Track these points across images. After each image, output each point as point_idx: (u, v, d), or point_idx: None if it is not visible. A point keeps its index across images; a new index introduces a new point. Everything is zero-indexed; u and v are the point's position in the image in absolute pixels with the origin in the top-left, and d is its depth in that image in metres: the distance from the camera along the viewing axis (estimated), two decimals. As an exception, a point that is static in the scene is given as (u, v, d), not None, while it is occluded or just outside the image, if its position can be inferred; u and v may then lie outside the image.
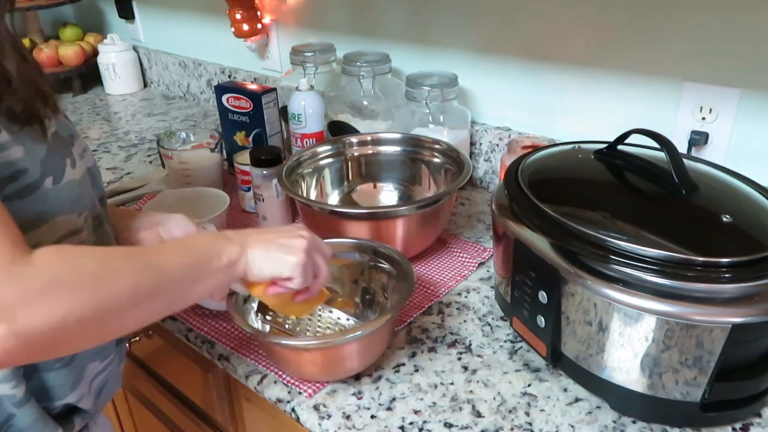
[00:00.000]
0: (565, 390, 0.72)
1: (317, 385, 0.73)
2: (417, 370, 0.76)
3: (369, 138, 1.08)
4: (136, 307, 0.53)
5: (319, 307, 0.79)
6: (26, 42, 1.89)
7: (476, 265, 0.95)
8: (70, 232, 0.60)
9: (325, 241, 0.84)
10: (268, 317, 0.75)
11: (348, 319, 0.79)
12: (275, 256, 0.65)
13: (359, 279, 0.84)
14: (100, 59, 1.84)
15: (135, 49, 1.88)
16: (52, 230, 0.58)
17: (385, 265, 0.81)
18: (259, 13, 1.46)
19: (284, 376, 0.75)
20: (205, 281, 0.60)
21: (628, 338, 0.63)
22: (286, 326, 0.79)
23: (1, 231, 0.47)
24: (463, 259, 0.96)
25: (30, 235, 0.56)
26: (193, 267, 0.60)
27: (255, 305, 0.76)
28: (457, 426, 0.68)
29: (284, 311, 0.73)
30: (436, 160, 1.04)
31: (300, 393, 0.73)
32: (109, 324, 0.52)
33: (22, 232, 0.54)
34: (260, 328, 0.77)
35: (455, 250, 0.99)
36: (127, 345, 0.90)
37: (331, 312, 0.79)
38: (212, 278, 0.61)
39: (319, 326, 0.78)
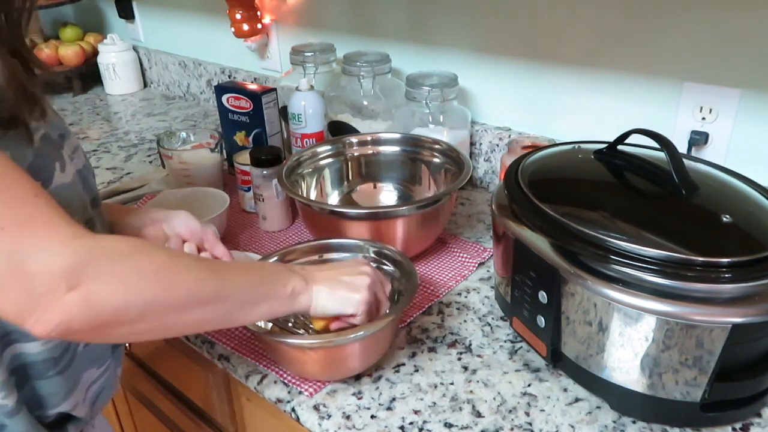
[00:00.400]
0: (565, 390, 0.72)
1: (318, 384, 0.73)
2: (417, 370, 0.76)
3: (369, 138, 1.08)
4: (195, 308, 0.54)
5: None
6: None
7: (476, 265, 0.95)
8: None
9: (330, 241, 0.84)
10: (275, 316, 0.75)
11: None
12: (340, 294, 0.66)
13: None
14: (100, 59, 1.84)
15: (135, 49, 1.88)
16: None
17: (389, 267, 0.81)
18: (259, 13, 1.46)
19: (285, 375, 0.75)
20: (265, 304, 0.61)
21: (628, 338, 0.63)
22: (289, 325, 0.79)
23: (55, 212, 0.49)
24: (463, 259, 0.96)
25: None
26: (257, 286, 0.61)
27: None
28: (457, 426, 0.68)
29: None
30: (436, 160, 1.04)
31: (300, 393, 0.73)
32: (165, 318, 0.53)
33: None
34: (262, 326, 0.77)
35: (455, 250, 0.99)
36: (127, 346, 0.90)
37: None
38: (273, 303, 0.62)
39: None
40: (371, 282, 0.68)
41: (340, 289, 0.66)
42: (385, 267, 0.81)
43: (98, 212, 0.67)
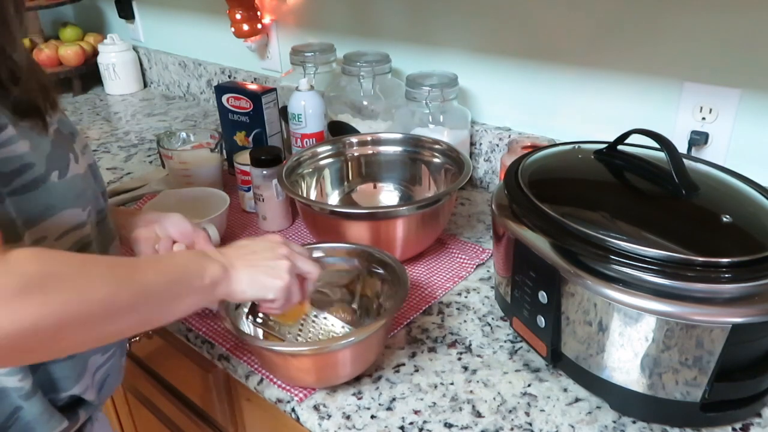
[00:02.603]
0: (565, 390, 0.72)
1: (308, 389, 0.73)
2: (417, 370, 0.76)
3: (369, 138, 1.08)
4: (111, 319, 0.52)
5: (314, 313, 0.78)
6: (26, 42, 1.89)
7: (475, 266, 0.95)
8: (74, 226, 0.60)
9: (321, 245, 0.84)
10: (259, 320, 0.75)
11: (343, 326, 0.78)
12: (260, 279, 0.64)
13: (354, 284, 0.84)
14: (100, 59, 1.84)
15: (135, 49, 1.88)
16: (58, 223, 0.58)
17: (380, 270, 0.81)
18: (259, 13, 1.46)
19: (275, 380, 0.75)
20: (184, 300, 0.59)
21: (628, 338, 0.63)
22: (278, 329, 0.78)
23: None
24: (462, 260, 0.96)
25: (37, 228, 0.56)
26: (173, 284, 0.58)
27: (246, 308, 0.75)
28: (457, 426, 0.68)
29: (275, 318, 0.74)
30: (436, 160, 1.04)
31: (292, 398, 0.72)
32: (83, 333, 0.50)
33: (30, 225, 0.55)
34: (252, 331, 0.76)
35: (454, 250, 0.99)
36: (128, 345, 0.90)
37: (325, 318, 0.78)
38: (192, 297, 0.60)
39: (312, 332, 0.78)
40: (290, 265, 0.66)
41: (259, 275, 0.64)
42: (375, 270, 0.81)
43: (107, 205, 0.69)
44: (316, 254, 0.83)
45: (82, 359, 0.64)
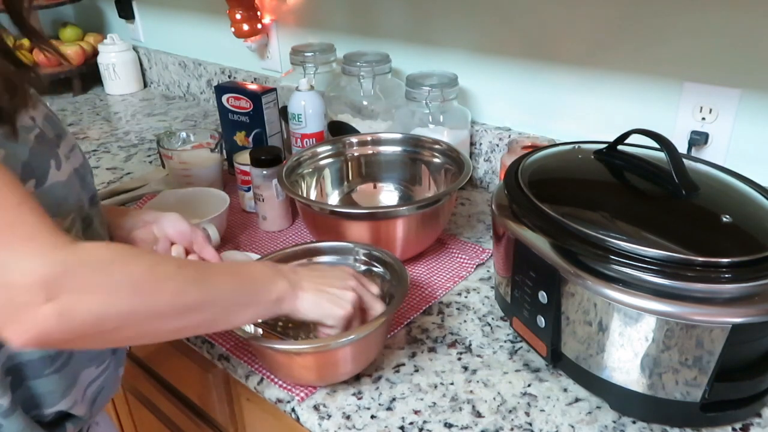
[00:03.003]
0: (565, 390, 0.72)
1: (309, 388, 0.73)
2: (417, 370, 0.76)
3: (369, 138, 1.08)
4: (176, 317, 0.54)
5: None
6: (26, 42, 1.89)
7: (475, 266, 0.95)
8: None
9: (320, 244, 0.84)
10: (259, 319, 0.75)
11: None
12: (324, 305, 0.66)
13: None
14: (100, 59, 1.84)
15: (135, 49, 1.88)
16: None
17: (379, 269, 0.81)
18: (259, 13, 1.46)
19: (275, 380, 0.74)
20: (249, 309, 0.61)
21: (628, 338, 0.63)
22: (277, 329, 0.78)
23: (39, 220, 0.48)
24: (462, 260, 0.96)
25: None
26: (241, 292, 0.60)
27: None
28: (457, 426, 0.68)
29: None
30: (436, 160, 1.04)
31: (294, 397, 0.72)
32: (146, 327, 0.52)
33: None
34: (252, 330, 0.76)
35: (454, 250, 0.99)
36: (127, 349, 0.90)
37: None
38: (257, 308, 0.62)
39: (311, 330, 0.78)
40: (355, 298, 0.68)
41: (324, 301, 0.66)
42: (375, 269, 0.81)
43: (97, 210, 0.67)
44: (317, 255, 0.83)
45: (71, 373, 0.63)
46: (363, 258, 0.82)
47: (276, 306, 0.63)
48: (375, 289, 0.71)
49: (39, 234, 0.48)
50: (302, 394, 0.72)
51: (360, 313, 0.69)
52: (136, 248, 0.54)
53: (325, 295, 0.66)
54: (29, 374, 0.60)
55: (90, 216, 0.65)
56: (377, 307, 0.70)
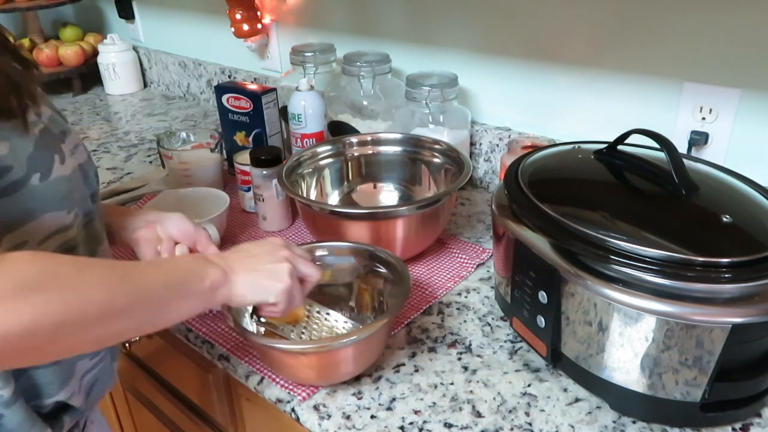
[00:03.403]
0: (565, 390, 0.72)
1: (311, 388, 0.73)
2: (417, 370, 0.76)
3: (369, 138, 1.08)
4: (109, 320, 0.51)
5: (317, 310, 0.79)
6: (26, 42, 1.89)
7: (475, 266, 0.95)
8: (58, 229, 0.59)
9: (324, 244, 0.84)
10: (262, 319, 0.75)
11: (345, 322, 0.79)
12: (260, 283, 0.64)
13: (356, 283, 0.84)
14: (100, 59, 1.84)
15: (135, 49, 1.88)
16: (40, 227, 0.57)
17: (382, 269, 0.81)
18: (259, 13, 1.46)
19: (277, 379, 0.75)
20: (183, 303, 0.59)
21: (628, 338, 0.63)
22: (281, 329, 0.78)
23: None
24: (462, 260, 0.96)
25: (18, 233, 0.55)
26: (173, 287, 0.58)
27: (249, 307, 0.75)
28: (457, 426, 0.68)
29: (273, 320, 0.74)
30: (436, 160, 1.04)
31: (295, 396, 0.72)
32: (80, 335, 0.50)
33: (9, 229, 0.54)
34: (255, 330, 0.76)
35: (454, 250, 0.99)
36: (126, 345, 0.90)
37: (328, 315, 0.79)
38: (192, 300, 0.59)
39: (315, 330, 0.78)
40: (291, 268, 0.65)
41: (259, 279, 0.64)
42: (377, 269, 0.81)
43: (97, 208, 0.67)
44: (319, 253, 0.83)
45: (68, 364, 0.63)
46: (365, 259, 0.82)
47: (211, 295, 0.61)
48: (307, 255, 0.70)
49: None
50: (304, 394, 0.72)
51: (299, 282, 0.67)
52: (58, 255, 0.52)
53: (258, 273, 0.64)
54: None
55: (92, 213, 0.65)
56: (313, 273, 0.68)
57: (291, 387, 0.73)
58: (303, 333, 0.77)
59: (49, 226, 0.58)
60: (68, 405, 0.65)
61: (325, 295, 0.82)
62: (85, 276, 0.51)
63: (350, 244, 0.84)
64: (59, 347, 0.50)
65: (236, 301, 0.63)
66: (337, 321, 0.79)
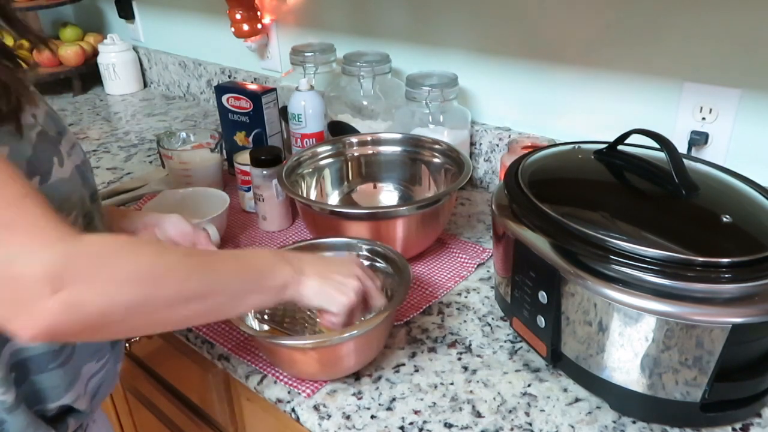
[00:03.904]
0: (565, 390, 0.72)
1: (315, 385, 0.73)
2: (417, 370, 0.76)
3: (369, 138, 1.08)
4: (183, 305, 0.54)
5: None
6: (26, 42, 1.89)
7: (475, 266, 0.95)
8: None
9: (323, 240, 0.84)
10: (266, 316, 0.75)
11: None
12: (328, 292, 0.65)
13: None
14: (100, 59, 1.84)
15: (135, 49, 1.88)
16: None
17: (382, 264, 0.81)
18: (259, 13, 1.46)
19: (282, 377, 0.75)
20: (255, 296, 0.61)
21: (628, 338, 0.63)
22: (284, 325, 0.79)
23: (43, 213, 0.48)
24: (462, 260, 0.96)
25: None
26: (246, 279, 0.60)
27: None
28: (457, 426, 0.68)
29: None
30: (436, 160, 1.04)
31: (299, 393, 0.73)
32: (153, 316, 0.52)
33: None
34: (257, 327, 0.77)
35: (454, 250, 0.99)
36: (127, 345, 0.90)
37: None
38: (263, 295, 0.62)
39: (317, 325, 0.78)
40: (359, 287, 0.68)
41: (329, 288, 0.66)
42: (377, 264, 0.81)
43: (97, 207, 0.68)
44: (320, 251, 0.84)
45: (74, 367, 0.63)
46: (365, 254, 0.82)
47: (281, 292, 0.63)
48: (378, 282, 0.72)
49: (44, 227, 0.48)
50: (308, 391, 0.72)
51: (362, 303, 0.69)
52: (140, 238, 0.54)
53: (329, 281, 0.66)
54: (34, 369, 0.60)
55: (91, 212, 0.65)
56: (379, 300, 0.70)
57: (295, 384, 0.73)
58: (305, 329, 0.77)
59: None
60: (73, 408, 0.65)
61: None
62: (164, 258, 0.53)
63: (349, 239, 0.84)
64: (131, 326, 0.52)
65: (302, 302, 0.65)
66: None
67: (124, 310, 0.49)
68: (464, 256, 0.97)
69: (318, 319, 0.78)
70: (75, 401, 0.64)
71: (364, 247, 0.83)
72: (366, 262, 0.82)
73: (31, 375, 0.60)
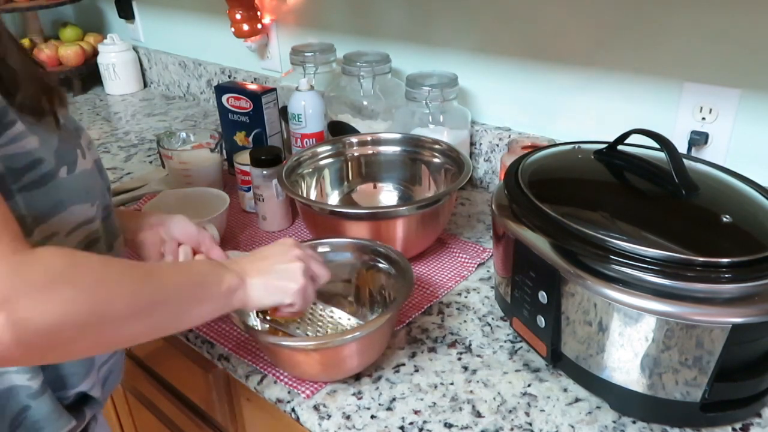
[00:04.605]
0: (565, 390, 0.72)
1: (315, 386, 0.73)
2: (417, 370, 0.76)
3: (369, 138, 1.08)
4: (133, 318, 0.52)
5: (320, 307, 0.79)
6: (26, 42, 1.89)
7: (475, 266, 0.95)
8: (84, 221, 0.60)
9: (325, 241, 0.84)
10: (267, 317, 0.75)
11: (349, 319, 0.79)
12: (275, 284, 0.65)
13: (359, 279, 0.84)
14: (100, 59, 1.84)
15: (135, 49, 1.88)
16: (68, 219, 0.58)
17: (384, 265, 0.81)
18: (259, 13, 1.46)
19: (282, 377, 0.75)
20: (203, 305, 0.60)
21: (628, 338, 0.63)
22: (287, 326, 0.79)
23: (1, 226, 0.46)
24: (463, 260, 0.96)
25: (48, 224, 0.57)
26: (192, 288, 0.59)
27: None
28: (457, 426, 0.68)
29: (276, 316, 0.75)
30: (436, 160, 1.04)
31: (299, 394, 0.73)
32: (103, 333, 0.51)
33: (40, 221, 0.55)
34: (259, 327, 0.77)
35: (455, 250, 0.99)
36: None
37: (332, 312, 0.79)
38: (210, 303, 0.60)
39: (319, 326, 0.78)
40: (305, 267, 0.66)
41: (273, 281, 0.65)
42: (380, 265, 0.81)
43: (111, 202, 0.69)
44: (321, 249, 0.83)
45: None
46: (366, 254, 0.82)
47: (228, 299, 0.62)
48: (315, 253, 0.71)
49: None
50: (308, 392, 0.72)
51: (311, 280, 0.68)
52: (82, 251, 0.52)
53: (272, 275, 0.65)
54: None
55: (109, 206, 0.67)
56: (323, 274, 0.69)
57: (295, 385, 0.73)
58: (308, 331, 0.77)
59: (76, 217, 0.59)
60: (88, 396, 0.66)
61: (323, 292, 0.82)
62: (111, 272, 0.51)
63: (352, 240, 0.84)
64: (80, 346, 0.50)
65: (253, 304, 0.64)
66: (341, 318, 0.79)
67: (73, 329, 0.47)
68: (464, 256, 0.97)
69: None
70: (91, 388, 0.65)
71: (367, 248, 0.83)
72: (368, 263, 0.83)
73: None
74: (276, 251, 0.68)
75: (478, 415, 0.69)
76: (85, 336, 0.49)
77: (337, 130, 1.20)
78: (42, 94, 0.57)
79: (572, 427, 0.67)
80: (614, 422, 0.68)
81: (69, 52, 1.81)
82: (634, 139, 0.77)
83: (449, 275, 0.93)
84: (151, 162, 1.39)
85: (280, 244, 0.69)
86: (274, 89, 1.19)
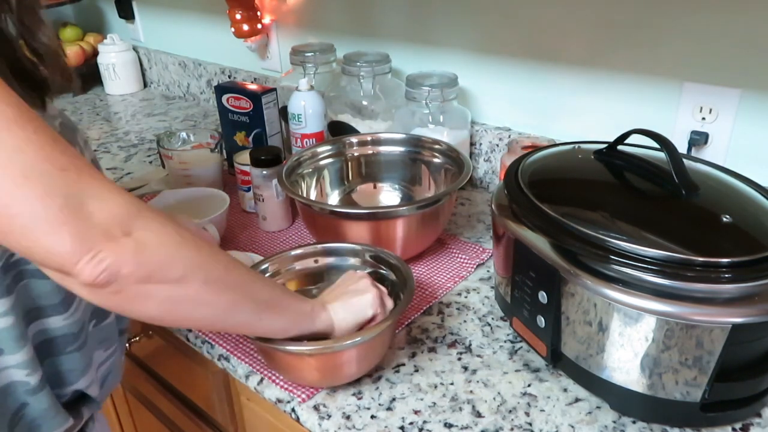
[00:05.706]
0: (565, 390, 0.72)
1: (311, 390, 0.73)
2: (417, 371, 0.76)
3: (369, 138, 1.08)
4: (224, 292, 0.55)
5: None
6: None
7: (475, 266, 0.95)
8: None
9: (325, 245, 0.84)
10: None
11: None
12: (353, 303, 0.69)
13: None
14: (100, 59, 1.84)
15: (135, 49, 1.88)
16: None
17: (385, 271, 0.81)
18: (259, 13, 1.46)
19: (277, 380, 0.74)
20: (287, 314, 0.64)
21: (628, 338, 0.63)
22: None
23: (120, 191, 0.50)
24: (462, 260, 0.96)
25: None
26: (279, 294, 0.64)
27: None
28: (457, 426, 0.68)
29: None
30: (436, 160, 1.04)
31: (295, 397, 0.72)
32: (200, 288, 0.53)
33: None
34: None
35: (454, 250, 0.99)
36: (127, 346, 0.90)
37: None
38: (295, 316, 0.64)
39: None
40: (371, 281, 0.72)
41: (351, 299, 0.69)
42: (381, 271, 0.81)
43: None
44: (319, 256, 0.84)
45: (87, 352, 0.65)
46: (369, 260, 0.82)
47: (309, 318, 0.66)
48: (383, 287, 0.74)
49: (107, 178, 0.49)
50: (304, 395, 0.72)
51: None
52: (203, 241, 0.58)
53: (347, 295, 0.70)
54: (55, 350, 0.62)
55: None
56: (389, 303, 0.72)
57: (291, 388, 0.73)
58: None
59: None
60: (85, 395, 0.66)
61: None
62: (215, 250, 0.56)
63: (352, 245, 0.84)
64: (180, 294, 0.53)
65: (340, 326, 0.68)
66: None
67: (181, 269, 0.51)
68: (464, 256, 0.97)
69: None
70: (88, 387, 0.66)
71: (368, 253, 0.82)
72: (370, 269, 0.82)
73: (52, 356, 0.62)
74: (342, 280, 0.74)
75: (478, 415, 0.69)
76: (186, 284, 0.51)
77: (337, 130, 1.20)
78: (59, 75, 0.58)
79: (572, 427, 0.67)
80: (614, 422, 0.68)
81: (69, 52, 1.81)
82: (634, 139, 0.77)
83: (449, 275, 0.93)
84: (151, 162, 1.39)
85: (346, 273, 0.76)
86: (274, 89, 1.19)
